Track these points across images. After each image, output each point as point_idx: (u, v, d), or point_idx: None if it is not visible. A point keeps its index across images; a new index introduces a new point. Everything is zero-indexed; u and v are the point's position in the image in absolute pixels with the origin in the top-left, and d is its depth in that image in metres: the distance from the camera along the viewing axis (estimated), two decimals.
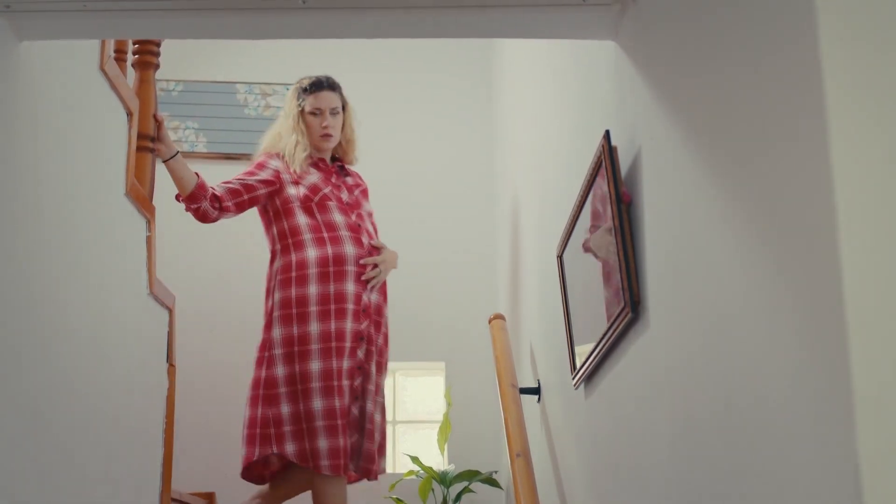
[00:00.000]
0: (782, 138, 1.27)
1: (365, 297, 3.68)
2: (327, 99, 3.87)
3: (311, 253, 3.65)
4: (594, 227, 2.33)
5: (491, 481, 4.40)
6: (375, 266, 3.72)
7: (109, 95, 3.05)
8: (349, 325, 3.61)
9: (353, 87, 5.49)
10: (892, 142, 1.14)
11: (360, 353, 3.64)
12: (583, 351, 2.56)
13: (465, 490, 4.46)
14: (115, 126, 3.14)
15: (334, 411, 3.51)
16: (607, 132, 2.15)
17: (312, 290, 3.61)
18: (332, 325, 3.58)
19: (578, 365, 2.61)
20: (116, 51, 3.25)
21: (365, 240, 3.74)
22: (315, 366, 3.55)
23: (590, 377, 2.56)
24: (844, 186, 1.12)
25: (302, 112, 3.86)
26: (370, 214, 3.93)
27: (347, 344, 3.59)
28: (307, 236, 3.68)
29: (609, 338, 2.22)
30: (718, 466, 1.55)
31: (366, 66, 5.47)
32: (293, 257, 3.68)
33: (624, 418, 2.21)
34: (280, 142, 3.88)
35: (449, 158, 5.44)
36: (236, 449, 4.86)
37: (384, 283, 3.81)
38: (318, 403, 3.52)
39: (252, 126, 5.43)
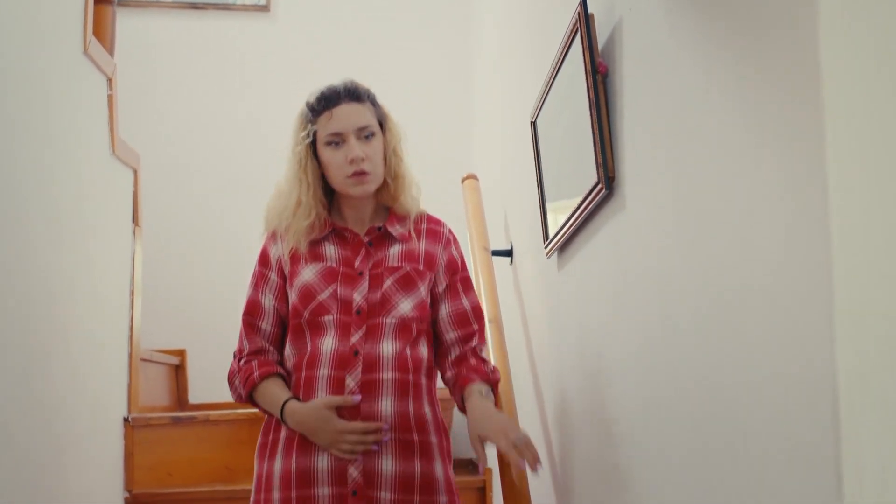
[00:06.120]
0: (771, 11, 1.20)
1: (353, 472, 2.15)
2: (349, 115, 2.27)
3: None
4: (568, 97, 2.26)
5: None
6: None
7: None
8: None
9: None
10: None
11: None
12: (555, 220, 2.51)
13: None
14: None
15: None
16: None
17: (277, 465, 2.22)
18: None
19: (551, 234, 2.57)
20: None
21: (351, 381, 2.18)
22: None
23: (562, 248, 2.53)
24: (832, 61, 1.07)
25: (314, 148, 2.31)
26: (416, 314, 2.27)
27: None
28: (293, 377, 2.28)
29: (582, 212, 2.17)
30: (692, 347, 1.53)
31: None
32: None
33: (596, 295, 2.18)
34: (278, 203, 2.34)
35: (424, 14, 5.28)
36: (205, 305, 4.87)
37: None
38: None
39: None
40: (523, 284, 3.29)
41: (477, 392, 2.24)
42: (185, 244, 4.93)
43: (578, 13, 2.05)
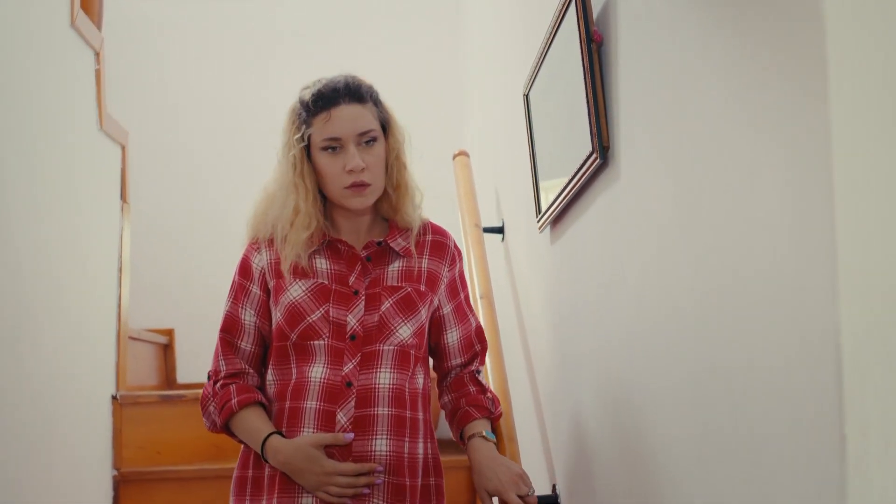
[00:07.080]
0: None
1: None
2: (350, 118, 2.03)
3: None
4: (562, 68, 2.23)
5: None
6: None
7: None
8: None
9: None
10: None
11: None
12: (548, 194, 2.49)
13: None
14: None
15: None
16: None
17: None
18: None
19: (544, 208, 2.54)
20: None
21: (342, 417, 1.96)
22: None
23: (555, 221, 2.50)
24: (838, 30, 1.03)
25: (308, 150, 2.06)
26: (415, 341, 2.07)
27: None
28: (274, 407, 2.05)
29: (576, 183, 2.14)
30: (690, 319, 1.50)
31: None
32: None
33: (590, 267, 2.16)
34: (270, 210, 2.11)
35: None
36: (194, 285, 4.84)
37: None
38: None
39: None
40: (515, 260, 3.27)
41: (479, 434, 2.08)
42: (174, 223, 4.90)
43: None
